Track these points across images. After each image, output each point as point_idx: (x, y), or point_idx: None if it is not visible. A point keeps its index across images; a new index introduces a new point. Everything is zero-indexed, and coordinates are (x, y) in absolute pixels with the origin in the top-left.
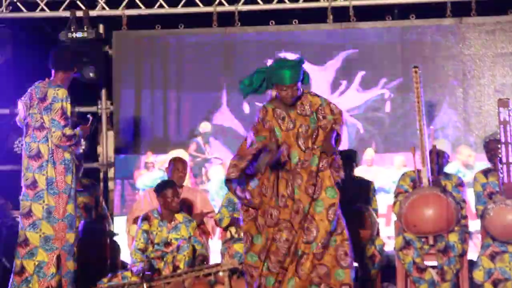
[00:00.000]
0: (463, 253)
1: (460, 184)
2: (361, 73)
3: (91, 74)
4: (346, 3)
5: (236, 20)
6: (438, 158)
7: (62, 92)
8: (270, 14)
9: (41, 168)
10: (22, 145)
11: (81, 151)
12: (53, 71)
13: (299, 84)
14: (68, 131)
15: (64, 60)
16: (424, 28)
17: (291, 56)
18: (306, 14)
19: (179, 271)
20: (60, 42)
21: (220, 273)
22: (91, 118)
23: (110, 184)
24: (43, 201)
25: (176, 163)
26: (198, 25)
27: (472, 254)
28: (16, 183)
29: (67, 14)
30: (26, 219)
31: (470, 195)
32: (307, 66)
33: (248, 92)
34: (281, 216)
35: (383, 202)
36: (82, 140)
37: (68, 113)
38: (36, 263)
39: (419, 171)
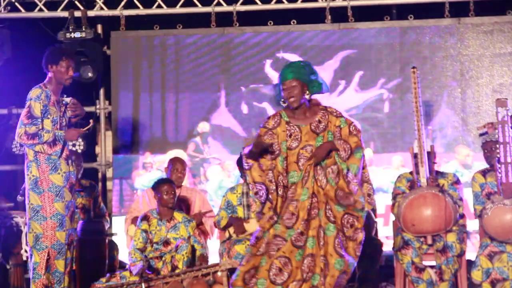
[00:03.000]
0: (462, 253)
1: (456, 182)
2: (359, 73)
3: (89, 74)
4: (344, 4)
5: (235, 20)
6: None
7: (33, 92)
8: (268, 14)
9: (27, 168)
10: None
11: (79, 151)
12: None
13: (301, 86)
14: (30, 129)
15: (43, 62)
16: (423, 28)
17: (292, 57)
18: (305, 14)
19: (177, 271)
20: (58, 43)
21: (219, 273)
22: (91, 122)
23: (109, 184)
24: (29, 201)
25: (175, 163)
26: (196, 25)
27: (471, 254)
28: (14, 183)
29: (65, 14)
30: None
31: (468, 195)
32: None
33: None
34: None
35: (381, 202)
36: (66, 141)
37: (35, 112)
38: (32, 264)
39: (417, 171)
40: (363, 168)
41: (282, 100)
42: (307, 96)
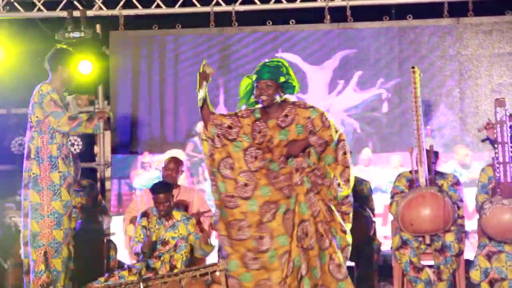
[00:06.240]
0: (460, 253)
1: (456, 183)
2: (358, 73)
3: (88, 73)
4: (343, 3)
5: (233, 20)
6: (436, 159)
7: (45, 87)
8: (267, 14)
9: (31, 167)
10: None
11: (78, 151)
12: None
13: (275, 87)
14: (68, 114)
15: (50, 61)
16: (422, 28)
17: (290, 56)
18: (303, 14)
19: (176, 271)
20: (57, 42)
21: (217, 273)
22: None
23: (107, 184)
24: (29, 199)
25: (169, 162)
26: (195, 25)
27: (469, 253)
28: (13, 183)
29: (64, 14)
30: (26, 219)
31: (466, 195)
32: (304, 66)
33: (244, 103)
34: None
35: (379, 202)
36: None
37: (59, 101)
38: (30, 262)
39: (416, 171)
40: (344, 154)
41: (254, 97)
42: (278, 98)
